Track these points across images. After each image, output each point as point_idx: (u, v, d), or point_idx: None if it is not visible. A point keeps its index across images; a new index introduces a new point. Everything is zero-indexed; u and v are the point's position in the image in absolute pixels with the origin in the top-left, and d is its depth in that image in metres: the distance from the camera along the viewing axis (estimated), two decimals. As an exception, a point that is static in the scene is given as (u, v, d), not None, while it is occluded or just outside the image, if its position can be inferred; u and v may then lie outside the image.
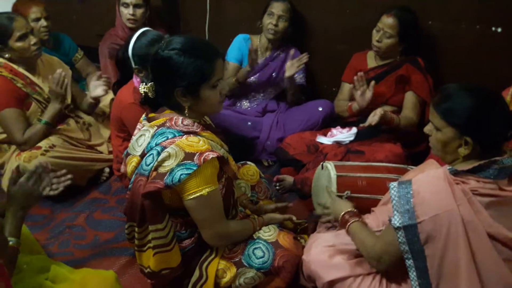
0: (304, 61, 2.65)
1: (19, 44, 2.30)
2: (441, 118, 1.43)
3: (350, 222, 1.69)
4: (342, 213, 1.75)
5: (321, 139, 2.58)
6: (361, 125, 2.43)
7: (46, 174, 1.62)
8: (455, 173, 1.41)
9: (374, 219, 1.74)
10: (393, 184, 1.45)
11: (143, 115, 1.73)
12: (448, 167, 1.43)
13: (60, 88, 2.38)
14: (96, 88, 2.53)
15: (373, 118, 2.30)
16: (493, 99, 1.43)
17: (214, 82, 1.58)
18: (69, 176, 1.72)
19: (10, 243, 1.47)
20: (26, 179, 1.57)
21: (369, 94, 2.39)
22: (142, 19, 2.97)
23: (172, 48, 1.54)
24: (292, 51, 2.72)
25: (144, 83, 1.63)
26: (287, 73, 2.68)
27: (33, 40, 2.34)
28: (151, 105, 1.68)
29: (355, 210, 1.76)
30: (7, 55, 2.32)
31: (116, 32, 3.08)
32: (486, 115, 1.38)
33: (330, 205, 1.86)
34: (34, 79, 2.44)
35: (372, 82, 2.38)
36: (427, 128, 1.52)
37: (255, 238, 1.77)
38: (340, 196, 1.91)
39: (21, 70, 2.39)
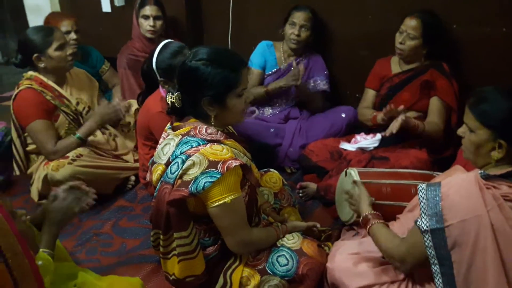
0: (301, 72, 2.67)
1: (57, 53, 2.39)
2: (476, 119, 1.41)
3: (372, 223, 1.67)
4: (365, 214, 1.73)
5: (345, 145, 2.57)
6: (383, 133, 2.40)
7: (82, 193, 1.65)
8: (487, 177, 1.38)
9: (400, 227, 1.71)
10: (422, 186, 1.43)
11: (168, 124, 1.76)
12: (479, 171, 1.40)
13: (122, 115, 2.54)
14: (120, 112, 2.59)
15: (394, 125, 2.27)
16: None
17: (240, 91, 1.60)
18: (93, 190, 1.71)
19: (44, 254, 1.50)
20: (65, 197, 1.61)
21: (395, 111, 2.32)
22: (160, 30, 3.07)
23: (199, 59, 1.57)
24: (294, 63, 2.75)
25: (170, 93, 1.66)
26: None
27: (69, 50, 2.44)
28: (177, 114, 1.71)
29: (377, 212, 1.73)
30: (43, 65, 2.40)
31: (133, 44, 3.16)
32: None
33: (357, 197, 1.83)
34: (62, 91, 2.50)
35: (401, 107, 2.30)
36: (461, 130, 1.50)
37: (279, 245, 1.76)
38: None
39: (50, 83, 2.46)
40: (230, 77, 1.57)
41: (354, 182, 1.90)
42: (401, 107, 2.31)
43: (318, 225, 1.90)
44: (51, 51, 2.38)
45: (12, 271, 1.12)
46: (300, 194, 2.52)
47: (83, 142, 2.49)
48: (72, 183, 1.66)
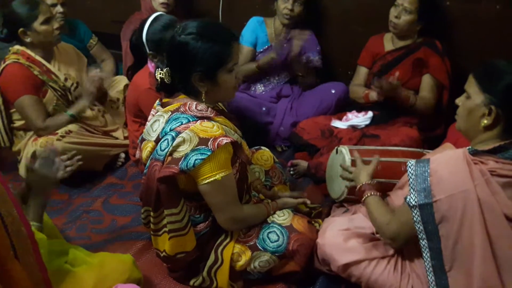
0: (304, 37, 2.61)
1: (43, 27, 2.33)
2: (477, 83, 1.42)
3: (368, 194, 1.68)
4: (362, 183, 1.73)
5: (336, 123, 2.56)
6: (374, 84, 2.38)
7: (58, 157, 1.65)
8: (475, 153, 1.39)
9: (390, 204, 1.73)
10: (411, 162, 1.44)
11: (157, 101, 1.73)
12: (468, 148, 1.41)
13: (93, 87, 2.43)
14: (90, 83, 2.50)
15: (391, 79, 2.27)
16: None
17: (231, 66, 1.58)
18: (78, 156, 1.75)
19: (33, 227, 1.50)
20: (41, 165, 1.60)
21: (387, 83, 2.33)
22: (173, 3, 2.95)
23: (189, 33, 1.53)
24: (292, 32, 2.67)
25: (159, 69, 1.63)
26: (293, 52, 2.65)
27: (55, 24, 2.38)
28: (167, 90, 1.68)
29: (375, 183, 1.74)
30: (29, 39, 2.35)
31: (141, 16, 3.04)
32: None
33: (354, 171, 1.83)
34: (50, 66, 2.45)
35: (397, 73, 2.32)
36: (459, 99, 1.51)
37: (270, 222, 1.78)
38: None
39: (37, 57, 2.40)
40: (221, 52, 1.54)
41: (353, 162, 1.90)
42: (396, 73, 2.30)
43: (308, 201, 1.91)
44: (37, 25, 2.32)
45: (11, 236, 1.12)
46: (291, 172, 2.52)
47: (75, 120, 2.46)
48: (48, 148, 1.66)
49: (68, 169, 1.71)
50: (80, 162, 1.74)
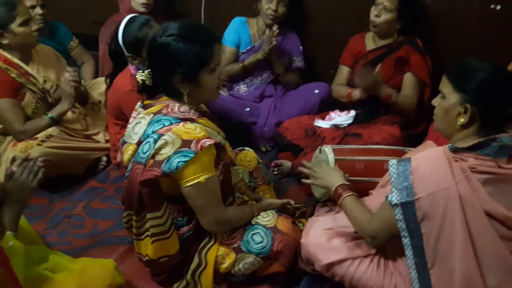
0: (275, 33, 2.59)
1: (21, 29, 2.29)
2: (450, 83, 1.43)
3: (344, 196, 1.68)
4: (335, 186, 1.73)
5: (319, 122, 2.57)
6: (354, 90, 2.37)
7: (38, 166, 1.61)
8: (455, 150, 1.41)
9: (372, 202, 1.73)
10: (392, 162, 1.45)
11: (139, 103, 1.71)
12: (448, 145, 1.43)
13: (70, 89, 2.38)
14: (66, 85, 2.44)
15: (376, 71, 2.28)
16: (506, 75, 1.43)
17: (213, 67, 1.56)
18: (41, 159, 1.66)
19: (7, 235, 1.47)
20: (19, 173, 1.57)
21: (370, 77, 2.33)
22: (152, 4, 2.92)
23: (170, 34, 1.52)
24: (275, 27, 2.64)
25: (140, 71, 1.61)
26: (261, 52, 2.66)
27: (34, 26, 2.34)
28: (148, 92, 1.67)
29: (348, 182, 1.74)
30: (6, 41, 2.30)
31: (119, 18, 3.01)
32: (494, 87, 1.37)
33: (321, 173, 1.82)
34: (29, 69, 2.41)
35: (378, 66, 2.33)
36: (435, 99, 1.52)
37: (254, 223, 1.77)
38: None
39: (15, 60, 2.36)
40: (203, 52, 1.53)
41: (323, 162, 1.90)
42: (378, 66, 2.31)
43: (292, 202, 1.91)
44: (15, 26, 2.27)
45: None
46: (275, 172, 2.52)
47: (55, 123, 2.42)
48: (24, 157, 1.62)
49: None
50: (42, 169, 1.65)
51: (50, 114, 2.40)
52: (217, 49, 1.57)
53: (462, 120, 1.41)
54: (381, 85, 2.35)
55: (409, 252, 1.45)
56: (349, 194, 1.68)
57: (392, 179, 1.42)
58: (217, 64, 1.58)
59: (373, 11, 2.46)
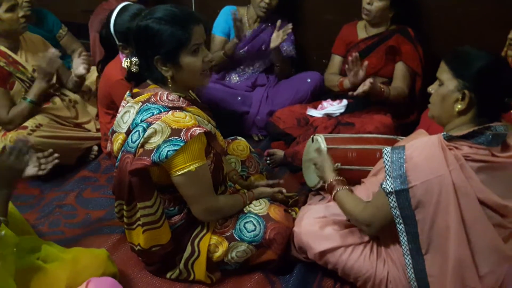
0: (288, 31, 2.58)
1: (8, 15, 2.25)
2: (450, 69, 1.43)
3: (337, 189, 1.69)
4: (330, 180, 1.74)
5: (312, 112, 2.57)
6: (350, 93, 2.38)
7: (27, 147, 1.60)
8: (449, 138, 1.41)
9: (364, 190, 1.74)
10: (387, 149, 1.45)
11: (128, 92, 1.70)
12: (442, 133, 1.43)
13: (51, 67, 2.33)
14: (78, 66, 2.46)
15: (363, 88, 2.27)
16: (504, 64, 1.43)
17: (193, 48, 1.54)
18: (56, 155, 1.72)
19: None
20: (7, 155, 1.55)
21: (361, 74, 2.31)
22: None
23: (149, 18, 1.52)
24: (278, 22, 2.64)
25: (128, 58, 1.60)
26: (272, 44, 2.62)
27: (21, 12, 2.30)
28: (136, 80, 1.65)
29: (342, 178, 1.75)
30: None
31: (109, 6, 2.97)
32: (493, 75, 1.38)
33: (320, 165, 1.84)
34: (17, 57, 2.38)
35: (365, 62, 2.32)
36: (431, 87, 1.52)
37: (246, 212, 1.77)
38: None
39: (3, 48, 2.33)
40: (179, 33, 1.51)
41: (318, 150, 1.91)
42: (365, 63, 2.30)
43: (284, 190, 1.91)
44: (1, 12, 2.24)
45: None
46: (268, 161, 2.52)
47: (36, 105, 2.37)
48: (17, 138, 1.62)
49: (43, 166, 1.66)
50: (56, 161, 1.70)
51: (28, 98, 2.35)
52: (196, 30, 1.54)
53: (459, 106, 1.41)
54: (374, 85, 2.32)
55: (403, 238, 1.46)
56: (342, 188, 1.68)
57: (386, 167, 1.42)
58: (198, 45, 1.55)
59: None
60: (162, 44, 1.51)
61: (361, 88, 2.27)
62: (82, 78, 2.56)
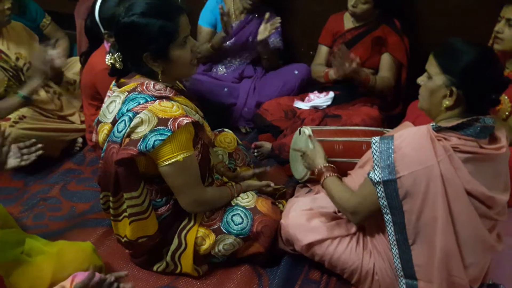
0: (277, 25, 2.57)
1: None
2: (438, 64, 1.42)
3: (327, 175, 1.69)
4: (319, 166, 1.74)
5: (299, 104, 2.56)
6: (331, 70, 2.35)
7: (3, 139, 1.56)
8: (438, 129, 1.41)
9: (351, 182, 1.75)
10: (375, 139, 1.45)
11: (114, 81, 1.67)
12: (431, 124, 1.43)
13: (42, 65, 2.28)
14: (55, 59, 2.36)
15: (352, 65, 2.25)
16: (493, 58, 1.42)
17: (182, 40, 1.52)
18: (39, 145, 1.67)
19: None
20: None
21: (347, 66, 2.30)
22: None
23: (132, 14, 1.48)
24: (267, 15, 2.63)
25: (110, 54, 1.57)
26: (260, 36, 2.60)
27: (7, 4, 2.25)
28: (120, 75, 1.62)
29: (332, 165, 1.75)
30: None
31: None
32: (481, 71, 1.37)
33: (311, 153, 1.84)
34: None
35: (357, 58, 2.31)
36: (420, 78, 1.51)
37: (233, 205, 1.77)
38: None
39: (-17, 37, 2.28)
40: (167, 26, 1.48)
41: (310, 137, 1.91)
42: (352, 55, 2.30)
43: (272, 184, 1.91)
44: None
45: None
46: (255, 154, 2.51)
47: (28, 101, 2.32)
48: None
49: (25, 157, 1.63)
50: (40, 151, 1.66)
51: (21, 93, 2.30)
52: (183, 21, 1.52)
53: (447, 103, 1.40)
54: (359, 71, 2.33)
55: (390, 228, 1.47)
56: (331, 174, 1.68)
57: (375, 157, 1.42)
58: (186, 37, 1.54)
59: (350, 1, 2.44)
60: (151, 41, 1.48)
61: (346, 69, 2.27)
62: (58, 70, 2.50)
